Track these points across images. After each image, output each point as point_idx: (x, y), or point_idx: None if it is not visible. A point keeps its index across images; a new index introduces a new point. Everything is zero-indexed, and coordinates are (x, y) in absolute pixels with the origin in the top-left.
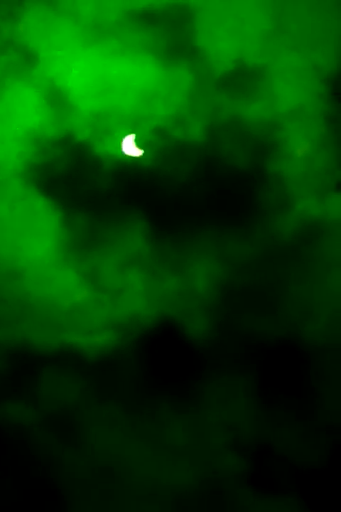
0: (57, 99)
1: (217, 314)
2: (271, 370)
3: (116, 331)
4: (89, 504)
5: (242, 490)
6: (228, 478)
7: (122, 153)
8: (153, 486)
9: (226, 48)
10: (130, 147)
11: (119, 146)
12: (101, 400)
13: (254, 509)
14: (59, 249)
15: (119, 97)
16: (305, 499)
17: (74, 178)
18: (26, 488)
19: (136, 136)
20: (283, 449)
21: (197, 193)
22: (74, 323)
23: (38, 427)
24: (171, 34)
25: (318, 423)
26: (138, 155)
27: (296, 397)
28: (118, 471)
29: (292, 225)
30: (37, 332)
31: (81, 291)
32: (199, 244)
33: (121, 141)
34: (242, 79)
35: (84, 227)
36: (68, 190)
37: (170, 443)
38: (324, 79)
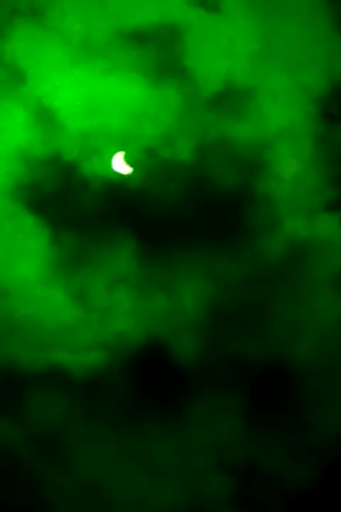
0: (45, 118)
1: (205, 334)
2: (259, 390)
3: (104, 350)
4: None
5: (229, 510)
6: (215, 498)
7: (111, 172)
8: (139, 506)
9: (216, 68)
10: (119, 165)
11: (108, 165)
12: (88, 419)
13: None
14: (47, 268)
15: (108, 117)
16: None
17: (62, 197)
18: (12, 507)
19: (125, 154)
20: (271, 469)
21: (186, 212)
22: (61, 342)
23: (24, 446)
24: (160, 54)
25: (306, 444)
26: (127, 173)
27: (284, 418)
28: (104, 491)
29: (280, 245)
30: (23, 351)
31: (68, 310)
32: (187, 264)
33: (109, 160)
34: (231, 99)
35: (73, 246)
36: (56, 209)
37: (157, 463)
38: (313, 99)
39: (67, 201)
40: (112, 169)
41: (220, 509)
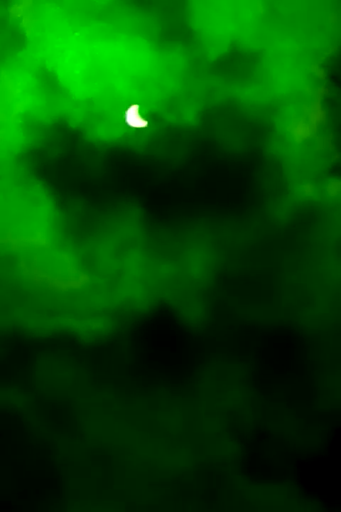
0: (49, 82)
1: (213, 300)
2: (268, 356)
3: (112, 316)
4: (86, 489)
5: (239, 475)
6: (225, 463)
7: (116, 137)
8: (149, 471)
9: (221, 32)
10: (134, 118)
11: (113, 131)
12: (97, 385)
13: (251, 494)
14: (54, 234)
15: (112, 81)
16: (303, 485)
17: (68, 163)
18: (22, 474)
19: (139, 108)
20: (280, 434)
21: (192, 178)
22: (69, 308)
23: (33, 412)
24: (164, 17)
25: (315, 409)
26: (143, 126)
27: (293, 383)
28: (114, 457)
29: (288, 210)
30: (31, 317)
31: (76, 276)
32: (194, 230)
33: (114, 125)
34: (237, 63)
35: (79, 213)
36: (62, 175)
37: (167, 428)
38: (321, 63)
39: (73, 167)
40: (128, 121)
41: (230, 474)
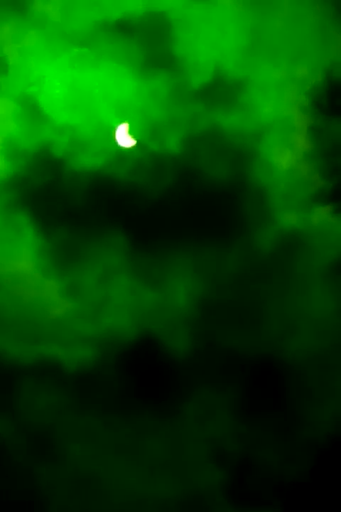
0: (31, 109)
1: (197, 329)
2: (252, 385)
3: (97, 343)
4: None
5: (222, 501)
6: (209, 490)
7: (99, 165)
8: (133, 498)
9: (204, 60)
10: (123, 137)
11: (96, 159)
12: (80, 412)
13: None
14: (38, 262)
15: (94, 109)
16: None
17: (51, 191)
18: (5, 499)
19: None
20: (264, 462)
21: (175, 205)
22: (53, 336)
23: (16, 439)
24: (147, 44)
25: (299, 438)
26: (131, 145)
27: (276, 412)
28: (98, 484)
29: (272, 238)
30: (15, 344)
31: (61, 304)
32: (178, 258)
33: (97, 153)
34: (221, 90)
35: (63, 241)
36: (46, 203)
37: (151, 456)
38: (305, 91)
39: (57, 194)
40: (117, 140)
41: (214, 501)
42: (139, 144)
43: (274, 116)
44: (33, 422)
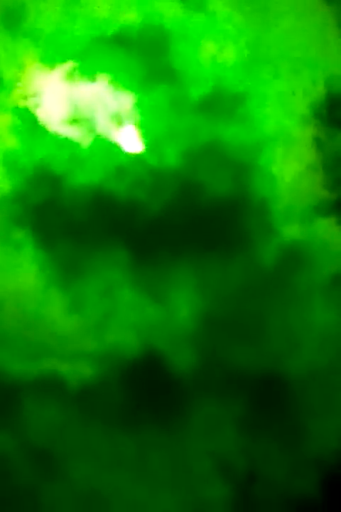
0: (29, 124)
1: (200, 344)
2: (256, 401)
3: (100, 359)
4: None
5: None
6: (214, 505)
7: (98, 181)
8: None
9: (204, 72)
10: (130, 143)
11: (95, 174)
12: (84, 429)
13: None
14: (39, 278)
15: (93, 123)
16: None
17: (51, 208)
18: None
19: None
20: (270, 477)
21: (177, 220)
22: (56, 351)
23: (19, 456)
24: (146, 57)
25: (305, 452)
26: (140, 151)
27: (282, 427)
28: (101, 501)
29: (275, 251)
30: (18, 360)
31: (63, 320)
32: (180, 273)
33: (96, 169)
34: (221, 103)
35: (64, 257)
36: (46, 219)
37: (156, 472)
38: (307, 103)
39: (57, 211)
40: (123, 146)
41: None
42: (139, 158)
43: (275, 129)
44: (36, 439)
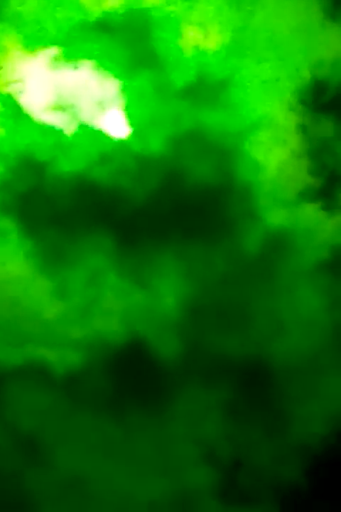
0: (13, 112)
1: (185, 331)
2: (241, 387)
3: (85, 346)
4: None
5: (213, 503)
6: (200, 491)
7: (82, 167)
8: (123, 499)
9: (188, 59)
10: (116, 127)
11: (79, 161)
12: (69, 415)
13: None
14: (24, 266)
15: (76, 109)
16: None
17: (35, 195)
18: None
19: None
20: (255, 463)
21: (161, 206)
22: (41, 338)
23: (4, 442)
24: (130, 44)
25: (290, 438)
26: (126, 135)
27: (268, 412)
28: (87, 486)
29: (260, 237)
30: (2, 347)
31: (48, 307)
32: (164, 260)
33: (80, 155)
34: (205, 89)
35: (49, 244)
36: (30, 207)
37: (140, 458)
38: (291, 89)
39: (41, 199)
40: (109, 131)
41: (204, 503)
42: (123, 144)
43: (260, 115)
44: (21, 425)
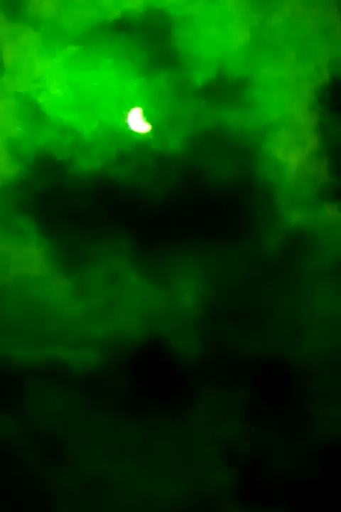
0: (31, 111)
1: (205, 331)
2: (261, 387)
3: (105, 345)
4: None
5: (233, 503)
6: (219, 492)
7: (101, 167)
8: (143, 501)
9: (208, 57)
10: (137, 123)
11: (98, 161)
12: (88, 415)
13: None
14: (44, 266)
15: (95, 109)
16: None
17: (54, 195)
18: (12, 505)
19: (142, 111)
20: (275, 463)
21: (181, 206)
22: (61, 338)
23: (24, 442)
24: (149, 43)
25: (310, 439)
26: (146, 131)
27: (288, 412)
28: (107, 487)
29: (280, 237)
30: (23, 347)
31: (67, 306)
32: (185, 260)
33: (100, 155)
34: (225, 88)
35: (68, 244)
36: (50, 207)
37: (161, 458)
38: (312, 89)
39: (60, 198)
40: (130, 126)
41: (223, 503)
42: (142, 144)
43: (280, 114)
44: (40, 425)
